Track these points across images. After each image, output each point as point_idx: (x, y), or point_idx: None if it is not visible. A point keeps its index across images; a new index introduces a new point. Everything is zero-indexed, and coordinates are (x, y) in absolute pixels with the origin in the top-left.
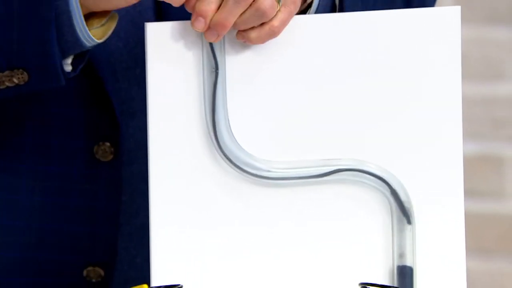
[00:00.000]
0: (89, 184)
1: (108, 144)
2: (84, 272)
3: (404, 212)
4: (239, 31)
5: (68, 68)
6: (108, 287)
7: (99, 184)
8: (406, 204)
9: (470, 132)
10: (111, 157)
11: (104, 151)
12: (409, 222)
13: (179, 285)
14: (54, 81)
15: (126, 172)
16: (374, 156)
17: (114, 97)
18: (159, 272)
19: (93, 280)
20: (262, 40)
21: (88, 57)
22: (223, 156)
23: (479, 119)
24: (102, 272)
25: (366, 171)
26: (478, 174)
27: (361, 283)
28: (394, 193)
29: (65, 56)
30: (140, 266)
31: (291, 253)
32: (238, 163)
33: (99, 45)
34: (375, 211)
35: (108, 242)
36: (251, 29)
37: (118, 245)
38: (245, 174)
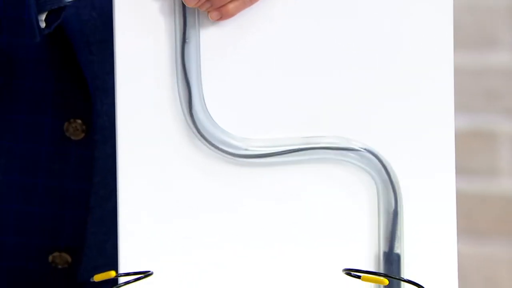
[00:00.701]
0: (58, 164)
1: (79, 121)
2: (50, 258)
3: (391, 193)
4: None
5: (42, 24)
6: (74, 274)
7: (69, 164)
8: (393, 185)
9: (461, 104)
10: (82, 135)
11: (75, 128)
12: (396, 204)
13: (149, 272)
14: (28, 35)
15: (98, 152)
16: (360, 134)
17: (87, 70)
18: (127, 258)
19: (59, 267)
20: (238, 9)
21: (62, 20)
22: (197, 134)
23: (471, 90)
24: (69, 258)
25: (351, 149)
26: (470, 151)
27: (345, 269)
28: (380, 173)
29: (41, 10)
30: (110, 253)
31: (270, 237)
32: (213, 141)
33: (72, 14)
34: (360, 192)
35: (77, 226)
36: (229, 2)
37: (87, 230)
38: (221, 153)
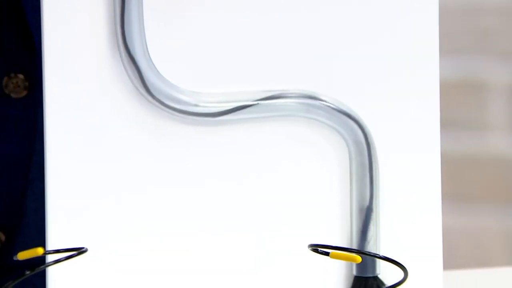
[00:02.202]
0: None
1: (21, 76)
2: None
3: (365, 156)
4: None
5: None
6: (5, 255)
7: (6, 126)
8: (368, 146)
9: (447, 48)
10: (24, 93)
11: (15, 85)
12: (371, 168)
13: (83, 248)
14: None
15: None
16: (329, 88)
17: (31, 18)
18: (57, 233)
19: None
20: None
21: None
22: (140, 88)
23: (459, 31)
24: (2, 237)
25: (319, 105)
26: (457, 103)
27: (311, 245)
28: (353, 133)
29: None
30: None
31: (224, 208)
32: (158, 96)
33: None
34: (329, 155)
35: (14, 201)
36: None
37: (27, 205)
38: (167, 109)
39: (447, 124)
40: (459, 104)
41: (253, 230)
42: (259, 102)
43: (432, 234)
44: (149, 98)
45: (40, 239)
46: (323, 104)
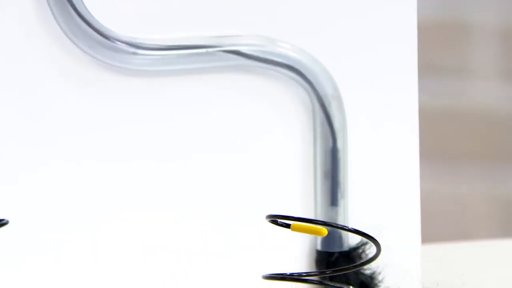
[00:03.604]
0: None
1: None
2: None
3: (331, 112)
4: None
5: None
6: None
7: None
8: (334, 100)
9: None
10: None
11: None
12: (337, 126)
13: (3, 220)
14: None
15: None
16: (291, 34)
17: None
18: None
19: None
20: None
21: None
22: (68, 32)
23: None
24: None
25: (277, 53)
26: (435, 47)
27: (270, 216)
28: (318, 86)
29: None
30: None
31: (166, 172)
32: (92, 43)
33: None
34: (289, 111)
35: None
36: None
37: None
38: (101, 57)
39: (424, 70)
40: (439, 48)
41: (201, 198)
42: (206, 49)
43: (409, 203)
44: (80, 45)
45: None
46: (282, 52)
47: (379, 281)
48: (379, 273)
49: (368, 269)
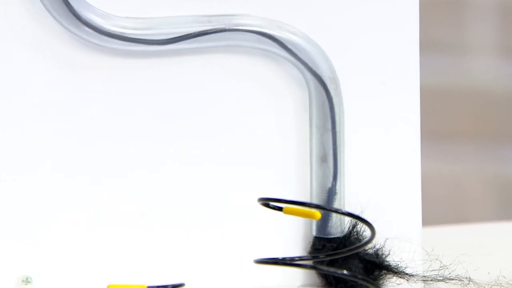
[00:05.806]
0: None
1: None
2: None
3: (328, 94)
4: None
5: None
6: None
7: None
8: (331, 82)
9: None
10: None
11: None
12: (335, 108)
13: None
14: None
15: None
16: (283, 15)
17: None
18: None
19: None
20: None
21: None
22: (48, 10)
23: None
24: None
25: (270, 34)
26: (433, 23)
27: (261, 199)
28: (315, 66)
29: None
30: None
31: (164, 157)
32: (71, 21)
33: None
34: (285, 93)
35: None
36: None
37: None
38: (84, 37)
39: (422, 48)
40: (437, 24)
41: (194, 182)
42: (201, 28)
43: (409, 186)
44: (54, 19)
45: None
46: (277, 34)
47: (386, 255)
48: (383, 247)
49: (370, 248)
